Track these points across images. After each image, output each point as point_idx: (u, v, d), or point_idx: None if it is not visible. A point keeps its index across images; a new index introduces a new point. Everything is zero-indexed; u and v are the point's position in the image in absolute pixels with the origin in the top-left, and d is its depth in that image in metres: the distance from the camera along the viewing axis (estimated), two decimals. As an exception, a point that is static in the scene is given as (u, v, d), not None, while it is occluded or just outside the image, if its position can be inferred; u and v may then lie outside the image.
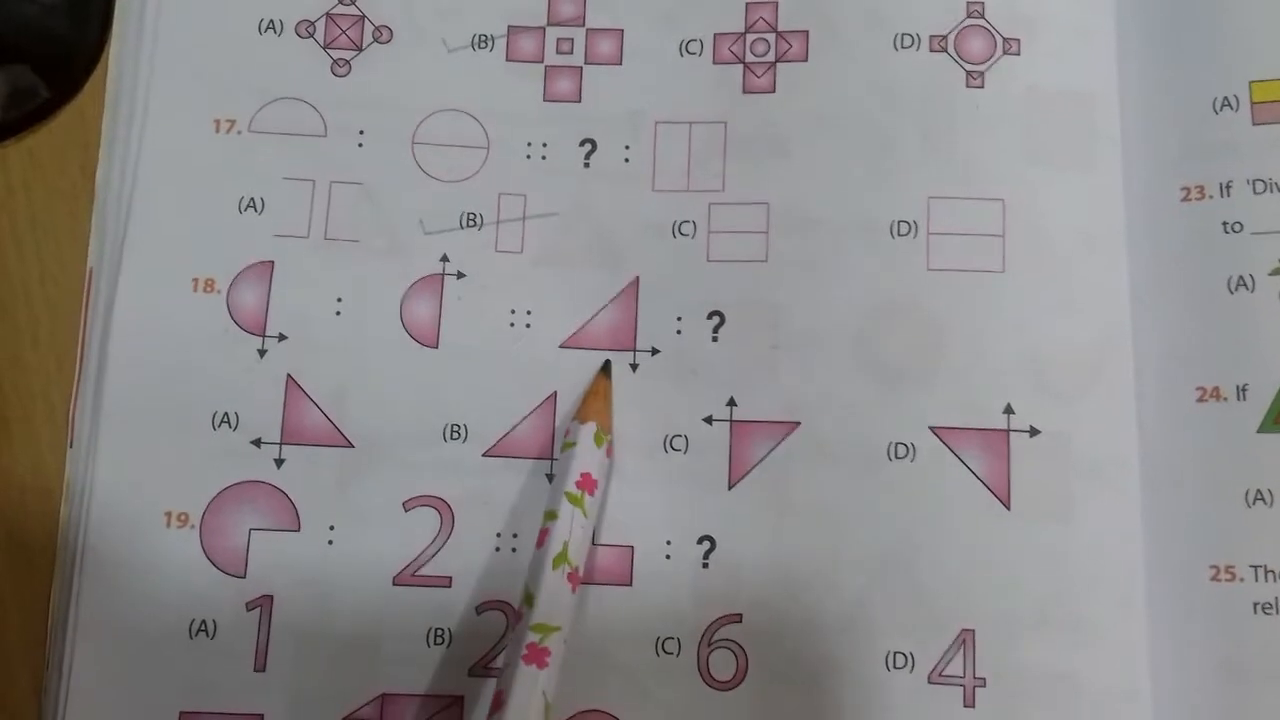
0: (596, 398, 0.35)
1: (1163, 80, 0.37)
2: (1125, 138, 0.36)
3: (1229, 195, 0.36)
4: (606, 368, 0.36)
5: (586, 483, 0.34)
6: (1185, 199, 0.36)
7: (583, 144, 0.37)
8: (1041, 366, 0.35)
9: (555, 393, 0.36)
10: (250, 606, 0.34)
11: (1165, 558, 0.34)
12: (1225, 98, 0.36)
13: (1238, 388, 0.35)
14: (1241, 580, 0.34)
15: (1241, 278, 0.35)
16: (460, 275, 0.36)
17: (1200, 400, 0.35)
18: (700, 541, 0.35)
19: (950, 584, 0.34)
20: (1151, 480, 0.35)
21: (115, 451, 0.35)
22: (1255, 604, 0.34)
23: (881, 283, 0.36)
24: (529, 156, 0.37)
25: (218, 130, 0.37)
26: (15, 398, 0.36)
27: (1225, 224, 0.36)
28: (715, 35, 0.38)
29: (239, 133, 0.37)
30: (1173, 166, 0.36)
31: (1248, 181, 0.36)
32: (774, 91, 0.37)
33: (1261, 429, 0.34)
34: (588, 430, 0.34)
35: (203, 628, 0.34)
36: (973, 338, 0.35)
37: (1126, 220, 0.36)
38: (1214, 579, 0.34)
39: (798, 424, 0.35)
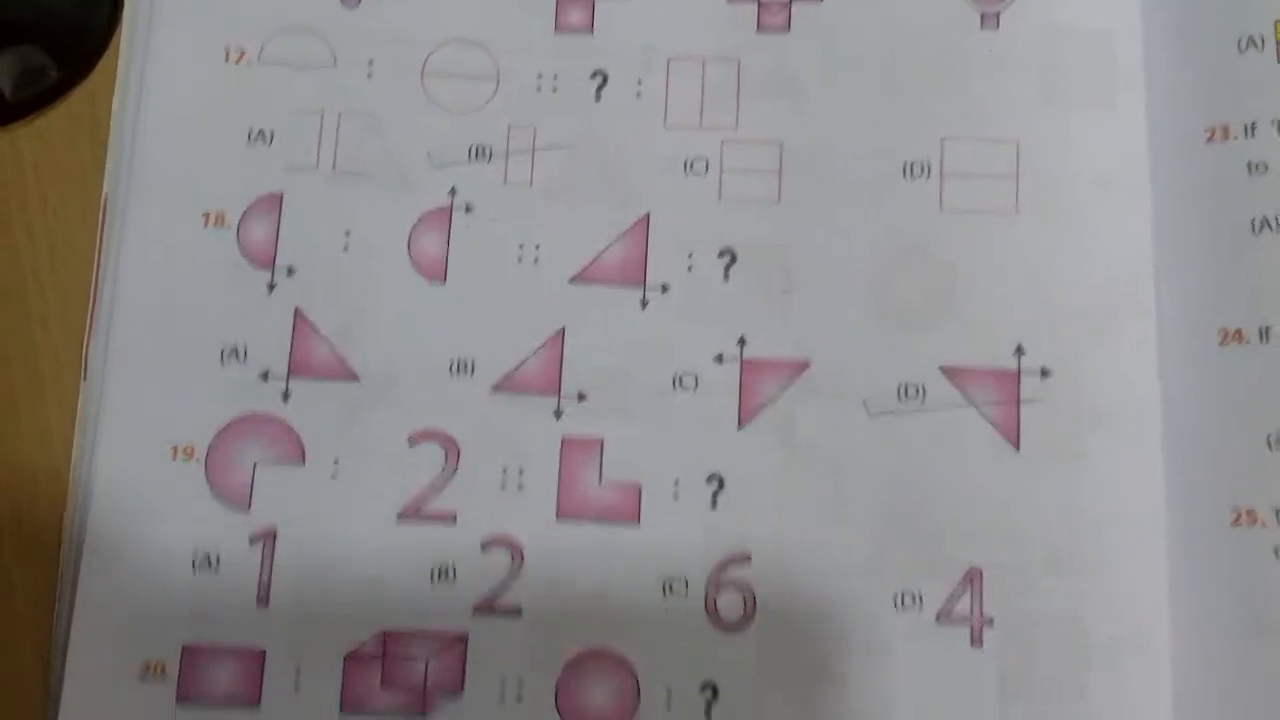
0: None
1: (1187, 18, 0.36)
2: (1148, 77, 0.36)
3: (1253, 135, 0.35)
4: None
5: None
6: (1209, 139, 0.35)
7: (594, 76, 0.37)
8: (1055, 308, 0.35)
9: (564, 328, 0.35)
10: (254, 541, 0.34)
11: (1186, 501, 0.34)
12: (1250, 37, 0.35)
13: (1260, 330, 0.34)
14: (1264, 525, 0.33)
15: (1266, 219, 0.35)
16: (469, 208, 0.36)
17: (1222, 343, 0.34)
18: (709, 481, 0.34)
19: (958, 524, 0.34)
20: (1172, 423, 0.34)
21: (123, 383, 0.35)
22: (1277, 548, 0.33)
23: (894, 224, 0.36)
24: (539, 89, 0.37)
25: (227, 60, 0.37)
26: (25, 379, 0.36)
27: (1250, 164, 0.35)
28: (730, -28, 0.37)
29: (248, 64, 0.37)
30: (1196, 106, 0.36)
31: (1272, 121, 0.35)
32: (788, 30, 0.37)
33: (1284, 371, 0.34)
34: None
35: (206, 561, 0.34)
36: (985, 279, 0.35)
37: (1149, 160, 0.35)
38: (1235, 523, 0.33)
39: (808, 364, 0.35)
